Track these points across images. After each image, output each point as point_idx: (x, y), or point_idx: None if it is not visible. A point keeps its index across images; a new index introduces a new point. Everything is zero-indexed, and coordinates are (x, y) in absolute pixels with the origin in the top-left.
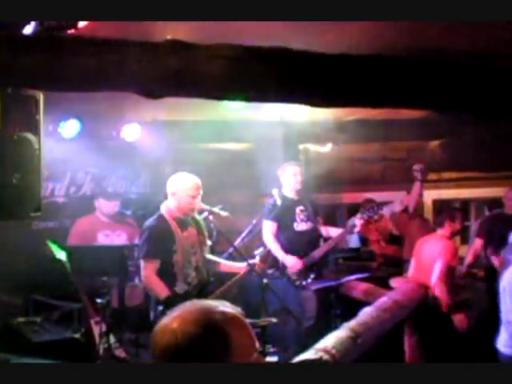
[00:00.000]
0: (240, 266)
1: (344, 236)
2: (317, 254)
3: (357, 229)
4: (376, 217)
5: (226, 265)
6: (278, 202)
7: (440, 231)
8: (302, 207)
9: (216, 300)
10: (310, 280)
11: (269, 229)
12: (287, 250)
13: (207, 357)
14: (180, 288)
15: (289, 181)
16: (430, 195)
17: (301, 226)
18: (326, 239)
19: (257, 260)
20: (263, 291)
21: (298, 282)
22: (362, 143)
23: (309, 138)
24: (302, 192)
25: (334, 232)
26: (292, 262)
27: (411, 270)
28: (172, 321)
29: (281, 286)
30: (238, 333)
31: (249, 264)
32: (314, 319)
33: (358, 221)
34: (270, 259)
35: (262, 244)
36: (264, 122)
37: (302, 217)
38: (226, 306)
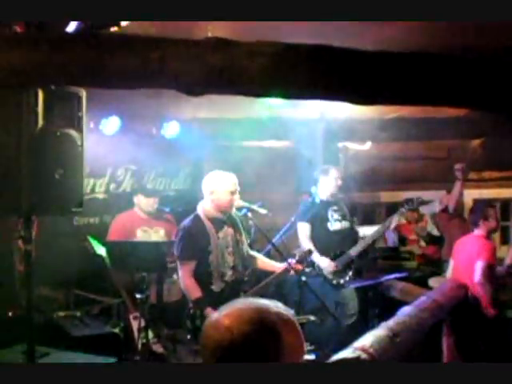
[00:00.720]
0: (277, 266)
1: (379, 233)
2: (353, 252)
3: (393, 224)
4: (416, 210)
5: (263, 262)
6: (317, 200)
7: (476, 231)
8: (335, 207)
9: (270, 300)
10: (347, 278)
11: (304, 230)
12: (323, 250)
13: (259, 356)
14: (217, 286)
15: (329, 183)
16: (471, 195)
17: (335, 225)
18: (363, 238)
19: (294, 260)
20: (301, 289)
21: (334, 281)
22: (402, 141)
23: (349, 135)
24: (336, 193)
25: (368, 230)
26: (326, 264)
27: (450, 270)
28: (224, 317)
29: (318, 284)
30: (290, 335)
31: (288, 264)
32: (356, 316)
33: (393, 220)
34: (307, 259)
35: (301, 243)
36: (304, 119)
37: (336, 216)
38: (279, 308)
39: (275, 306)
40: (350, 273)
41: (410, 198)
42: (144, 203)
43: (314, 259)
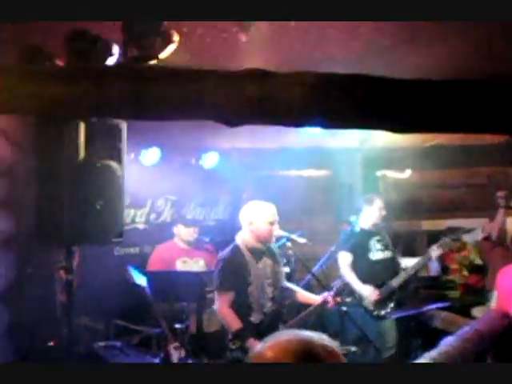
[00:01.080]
0: (315, 298)
1: (420, 265)
2: (395, 282)
3: (433, 259)
4: (453, 247)
5: (302, 295)
6: (357, 229)
7: None
8: (378, 237)
9: (314, 332)
10: (388, 309)
11: (345, 259)
12: (364, 280)
13: None
14: (256, 318)
15: (373, 213)
16: None
17: (377, 255)
18: (405, 269)
19: (332, 293)
20: (342, 319)
21: (375, 313)
22: (441, 169)
23: (387, 164)
24: (379, 223)
25: (411, 262)
26: (369, 292)
27: (494, 300)
28: (268, 349)
29: (360, 315)
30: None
31: (326, 297)
32: (394, 349)
33: (434, 252)
34: (346, 291)
35: (340, 273)
36: (342, 148)
37: (378, 246)
38: (324, 339)
39: (320, 337)
40: (392, 304)
41: (454, 227)
42: (184, 233)
43: (356, 288)
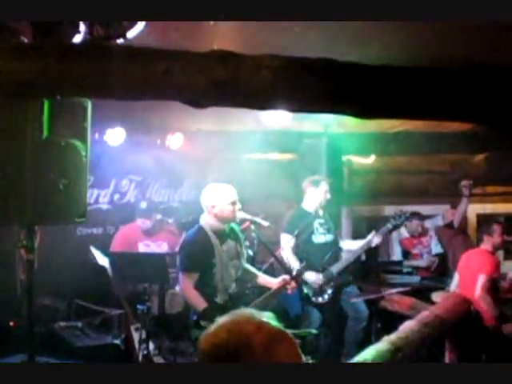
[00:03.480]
0: (273, 281)
1: (365, 249)
2: (335, 269)
3: (373, 244)
4: (401, 226)
5: (262, 278)
6: (303, 212)
7: (482, 246)
8: (321, 220)
9: (264, 312)
10: (326, 296)
11: (287, 242)
12: (306, 263)
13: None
14: (221, 299)
15: (318, 196)
16: (474, 209)
17: (319, 238)
18: (347, 251)
19: (291, 276)
20: (303, 302)
21: (313, 299)
22: (405, 155)
23: (353, 149)
24: (323, 205)
25: (352, 245)
26: (313, 278)
27: (455, 284)
28: (213, 328)
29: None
30: (280, 348)
31: (284, 280)
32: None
33: (374, 239)
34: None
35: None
36: (308, 132)
37: (321, 230)
38: (267, 319)
39: (261, 316)
40: (330, 291)
41: (416, 212)
42: (141, 223)
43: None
